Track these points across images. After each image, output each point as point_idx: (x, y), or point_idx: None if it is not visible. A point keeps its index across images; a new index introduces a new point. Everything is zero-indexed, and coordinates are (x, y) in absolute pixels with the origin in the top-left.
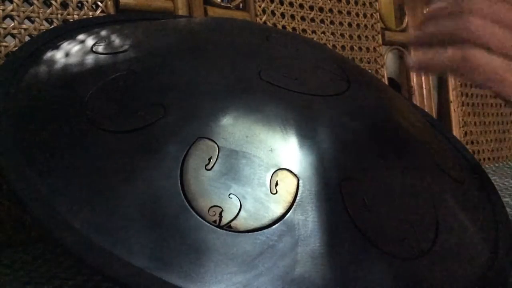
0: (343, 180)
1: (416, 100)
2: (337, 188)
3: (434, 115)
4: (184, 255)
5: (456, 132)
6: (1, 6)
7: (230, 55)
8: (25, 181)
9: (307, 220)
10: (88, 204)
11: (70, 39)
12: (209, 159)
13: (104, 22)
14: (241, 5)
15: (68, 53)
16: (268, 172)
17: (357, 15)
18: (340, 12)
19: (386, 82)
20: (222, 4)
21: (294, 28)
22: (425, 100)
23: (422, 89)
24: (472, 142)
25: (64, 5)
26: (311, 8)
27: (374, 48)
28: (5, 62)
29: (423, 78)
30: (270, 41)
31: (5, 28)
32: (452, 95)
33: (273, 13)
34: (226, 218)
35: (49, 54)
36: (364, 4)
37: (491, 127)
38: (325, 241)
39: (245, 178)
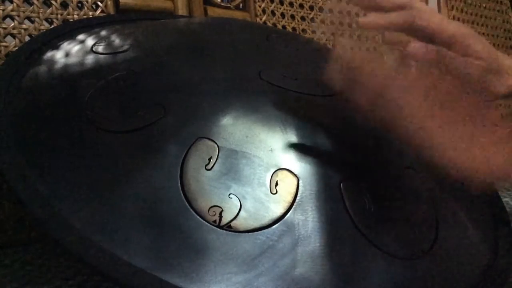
0: (343, 180)
1: None
2: (337, 188)
3: None
4: (184, 255)
5: None
6: (1, 6)
7: (230, 55)
8: (25, 181)
9: (307, 220)
10: (88, 204)
11: (70, 39)
12: (209, 159)
13: (104, 22)
14: (241, 5)
15: (68, 53)
16: (268, 172)
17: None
18: (340, 12)
19: None
20: (222, 4)
21: (294, 28)
22: None
23: None
24: None
25: (64, 5)
26: (311, 8)
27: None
28: (5, 62)
29: None
30: (270, 41)
31: (5, 28)
32: None
33: (273, 13)
34: (226, 218)
35: (49, 54)
36: None
37: None
38: (325, 241)
39: (245, 178)
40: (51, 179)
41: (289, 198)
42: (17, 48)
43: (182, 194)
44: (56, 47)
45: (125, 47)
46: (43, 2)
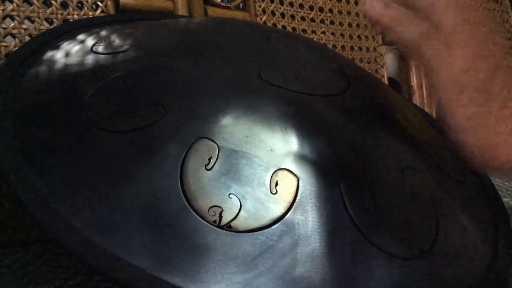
0: (343, 180)
1: (416, 100)
2: (337, 188)
3: (434, 115)
4: (184, 255)
5: None
6: (1, 6)
7: (230, 55)
8: (25, 181)
9: (307, 220)
10: (88, 204)
11: (70, 39)
12: (209, 159)
13: (104, 22)
14: (241, 5)
15: (68, 53)
16: (268, 172)
17: (357, 15)
18: (340, 12)
19: (386, 82)
20: (222, 4)
21: (294, 28)
22: (425, 100)
23: (422, 89)
24: None
25: (64, 5)
26: (311, 8)
27: (374, 48)
28: (5, 62)
29: (423, 78)
30: (270, 41)
31: (5, 28)
32: None
33: (273, 13)
34: (226, 218)
35: (49, 54)
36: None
37: None
38: (325, 241)
39: (245, 178)
40: (51, 179)
41: (289, 198)
42: (17, 48)
43: (182, 194)
44: (56, 47)
45: (125, 47)
46: (43, 2)
